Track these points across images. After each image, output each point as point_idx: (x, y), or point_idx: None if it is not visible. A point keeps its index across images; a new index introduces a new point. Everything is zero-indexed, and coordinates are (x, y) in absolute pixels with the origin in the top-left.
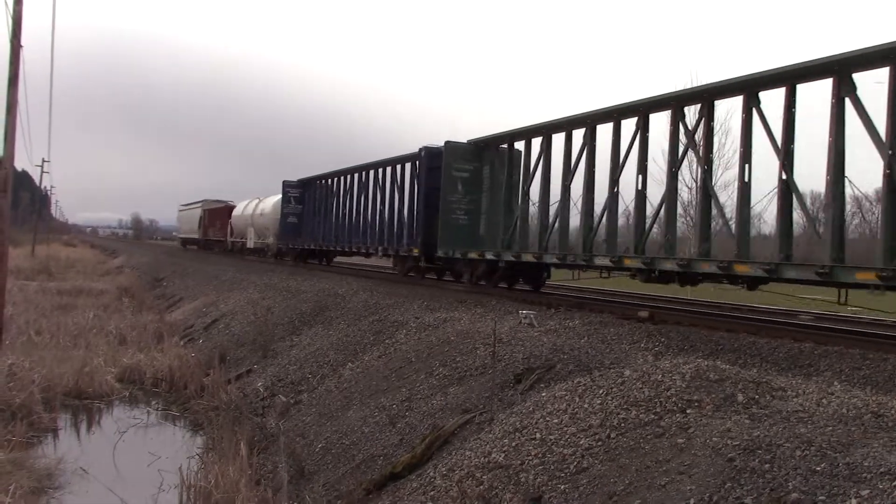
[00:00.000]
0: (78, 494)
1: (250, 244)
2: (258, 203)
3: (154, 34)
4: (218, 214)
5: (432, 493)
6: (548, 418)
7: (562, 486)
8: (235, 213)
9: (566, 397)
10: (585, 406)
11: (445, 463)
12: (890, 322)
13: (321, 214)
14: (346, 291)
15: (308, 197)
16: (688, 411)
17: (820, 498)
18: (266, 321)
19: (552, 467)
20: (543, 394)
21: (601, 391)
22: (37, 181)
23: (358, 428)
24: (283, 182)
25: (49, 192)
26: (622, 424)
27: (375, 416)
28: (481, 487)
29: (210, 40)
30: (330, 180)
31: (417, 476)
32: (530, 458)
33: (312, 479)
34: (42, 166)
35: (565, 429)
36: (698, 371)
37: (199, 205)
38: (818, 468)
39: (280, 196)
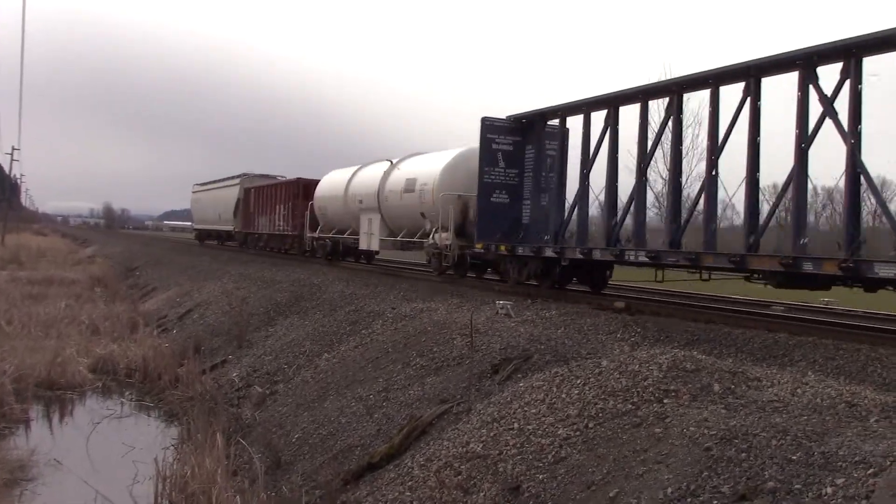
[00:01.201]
0: (51, 486)
1: (372, 244)
2: (391, 169)
3: (132, 19)
4: (276, 194)
5: (410, 483)
6: (526, 408)
7: (540, 476)
8: (327, 189)
9: (544, 387)
10: (563, 396)
11: (423, 453)
12: (861, 313)
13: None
14: (321, 281)
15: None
16: (665, 401)
17: (796, 486)
18: (241, 311)
19: (530, 457)
20: (521, 384)
21: (579, 381)
22: (6, 169)
23: (335, 418)
24: (483, 120)
25: (19, 181)
26: (600, 414)
27: (353, 407)
28: (459, 477)
29: (192, 27)
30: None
31: (395, 466)
32: (508, 447)
33: (289, 469)
34: (12, 154)
35: (543, 419)
36: (675, 361)
37: (235, 181)
38: (794, 457)
39: (450, 154)
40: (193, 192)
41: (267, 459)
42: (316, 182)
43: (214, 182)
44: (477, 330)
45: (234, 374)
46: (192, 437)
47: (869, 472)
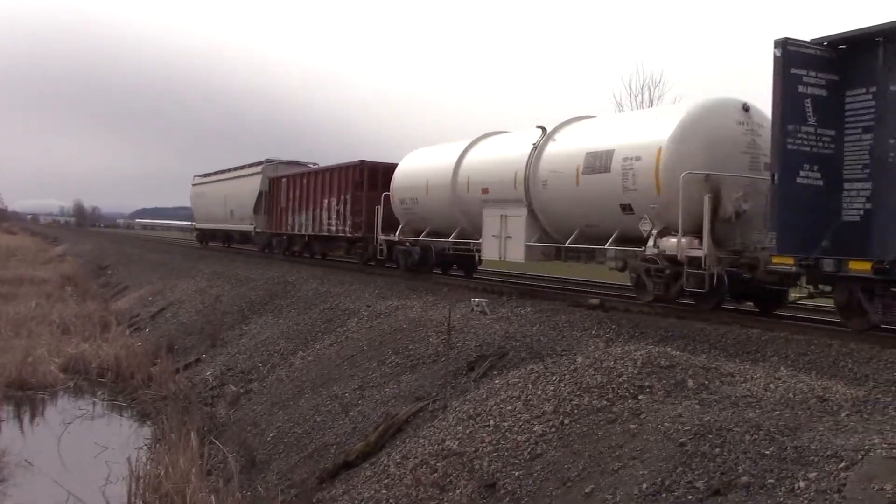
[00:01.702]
0: (22, 487)
1: (508, 252)
2: (545, 141)
3: (105, 14)
4: (325, 184)
5: (386, 480)
6: (501, 405)
7: (516, 473)
8: (415, 174)
9: (519, 384)
10: (539, 393)
11: (399, 451)
12: (832, 308)
13: None
14: (296, 279)
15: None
16: (639, 397)
17: (769, 481)
18: (214, 310)
19: (506, 454)
20: (497, 381)
21: (554, 378)
22: None
23: (310, 417)
24: (784, 44)
25: None
26: (575, 411)
27: (328, 405)
28: (435, 475)
29: (167, 22)
30: None
31: (371, 464)
32: (484, 444)
33: (265, 468)
34: None
35: (519, 415)
36: (649, 357)
37: (256, 170)
38: (767, 452)
39: (676, 114)
40: (194, 185)
41: (242, 459)
42: (388, 166)
43: (224, 172)
44: (452, 327)
45: (208, 373)
46: (166, 437)
47: (841, 465)
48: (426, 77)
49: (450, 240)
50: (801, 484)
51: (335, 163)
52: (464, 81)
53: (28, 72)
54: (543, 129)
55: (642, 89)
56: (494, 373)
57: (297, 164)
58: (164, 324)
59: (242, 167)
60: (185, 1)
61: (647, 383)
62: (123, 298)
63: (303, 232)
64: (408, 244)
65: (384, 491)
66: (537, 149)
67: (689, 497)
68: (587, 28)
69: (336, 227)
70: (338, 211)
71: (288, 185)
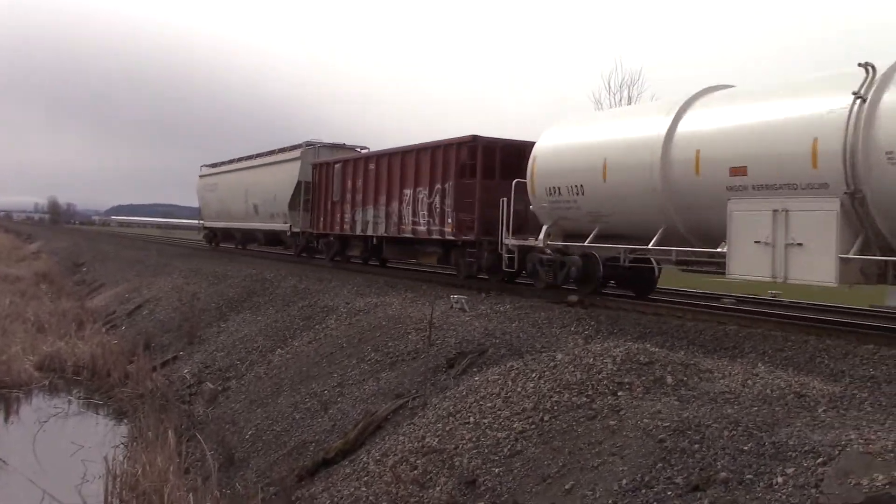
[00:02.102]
0: None
1: (808, 271)
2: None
3: (82, 8)
4: (408, 169)
5: (366, 478)
6: (481, 402)
7: (496, 470)
8: (577, 151)
9: (499, 381)
10: (518, 390)
11: (379, 448)
12: (807, 304)
13: None
14: (274, 276)
15: None
16: (619, 394)
17: (748, 477)
18: (192, 307)
19: (486, 451)
20: (476, 378)
21: (534, 375)
22: None
23: (289, 414)
24: None
25: None
26: (555, 407)
27: (307, 402)
28: (415, 472)
29: (147, 14)
30: None
31: (350, 462)
32: (464, 441)
33: (243, 466)
34: None
35: (499, 412)
36: (628, 354)
37: (293, 155)
38: (745, 448)
39: None
40: (202, 177)
41: (220, 457)
42: (511, 144)
43: (244, 160)
44: (432, 324)
45: (186, 371)
46: (143, 435)
47: (818, 461)
48: (401, 68)
49: (650, 246)
50: (780, 479)
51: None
52: (442, 75)
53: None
54: (870, 66)
55: (621, 87)
56: (474, 370)
57: (342, 147)
58: (140, 321)
59: (271, 153)
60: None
61: (626, 380)
62: (99, 296)
63: (368, 233)
64: (559, 252)
65: (364, 488)
66: (867, 102)
67: (669, 493)
68: (568, 24)
69: (427, 226)
70: (430, 205)
71: (344, 172)
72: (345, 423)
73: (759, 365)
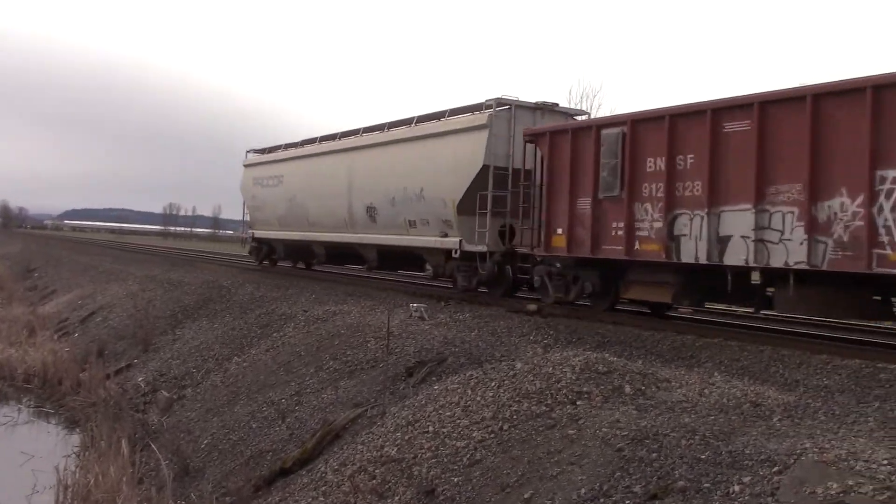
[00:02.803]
0: None
1: None
2: None
3: (33, 15)
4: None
5: (324, 488)
6: (440, 411)
7: (455, 479)
8: None
9: (459, 390)
10: (478, 399)
11: (337, 457)
12: (763, 315)
13: None
14: (231, 284)
15: None
16: (578, 403)
17: (705, 485)
18: (147, 314)
19: (445, 460)
20: (436, 387)
21: (493, 384)
22: None
23: (246, 423)
24: None
25: None
26: (514, 416)
27: (264, 411)
28: (374, 482)
29: (98, 21)
30: None
31: (308, 471)
32: (423, 451)
33: (199, 476)
34: None
35: (458, 421)
36: (587, 363)
37: (473, 119)
38: (702, 456)
39: None
40: (249, 167)
41: (175, 466)
42: None
43: (349, 135)
44: (391, 333)
45: (140, 379)
46: (96, 445)
47: (774, 469)
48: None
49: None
50: (736, 488)
51: None
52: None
53: None
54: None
55: (581, 99)
56: (433, 378)
57: (552, 109)
58: (94, 328)
59: (407, 122)
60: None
61: (585, 389)
62: (52, 302)
63: (745, 261)
64: None
65: (321, 498)
66: None
67: (627, 502)
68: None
69: None
70: None
71: (637, 141)
72: (302, 433)
73: (716, 374)
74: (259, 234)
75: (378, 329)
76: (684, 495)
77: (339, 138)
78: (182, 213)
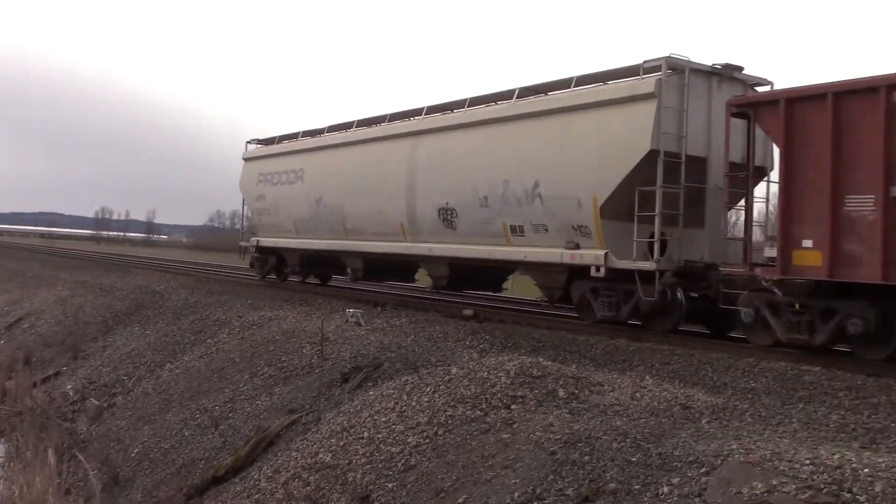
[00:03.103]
0: None
1: None
2: None
3: None
4: None
5: (257, 495)
6: (376, 417)
7: (389, 485)
8: None
9: (394, 395)
10: (413, 404)
11: (271, 465)
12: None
13: None
14: (164, 289)
15: None
16: (512, 407)
17: (635, 487)
18: (77, 320)
19: (380, 466)
20: (371, 392)
21: (429, 389)
22: None
23: (178, 431)
24: None
25: None
26: (449, 421)
27: (197, 419)
28: (308, 488)
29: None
30: None
31: (241, 479)
32: (358, 457)
33: (128, 485)
34: None
35: (393, 427)
36: (522, 368)
37: (637, 87)
38: (633, 459)
39: None
40: (252, 160)
41: (104, 476)
42: None
43: (408, 116)
44: (327, 338)
45: (69, 387)
46: (21, 455)
47: (702, 471)
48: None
49: None
50: (665, 489)
51: None
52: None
53: None
54: None
55: None
56: (369, 384)
57: (730, 76)
58: (20, 335)
59: (502, 96)
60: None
61: (519, 393)
62: None
63: None
64: None
65: None
66: None
67: None
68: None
69: None
70: None
71: None
72: (236, 440)
73: (648, 378)
74: (266, 242)
75: (314, 335)
76: (615, 497)
77: (390, 121)
78: (115, 217)
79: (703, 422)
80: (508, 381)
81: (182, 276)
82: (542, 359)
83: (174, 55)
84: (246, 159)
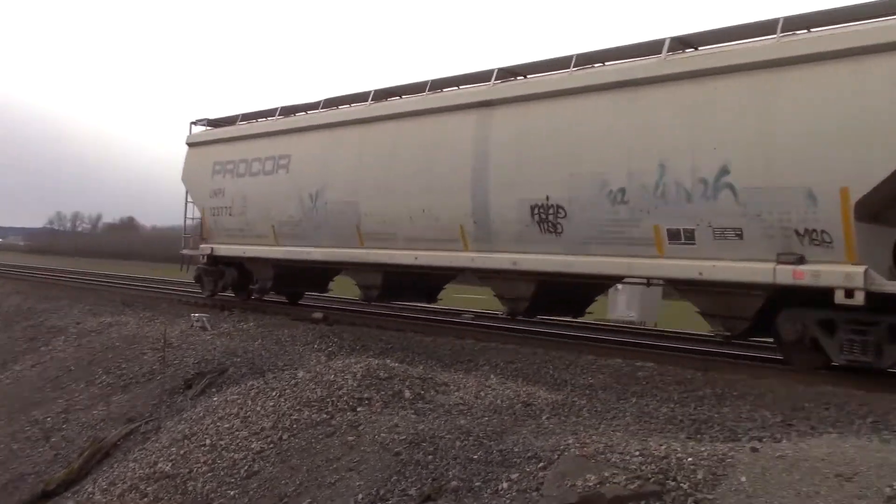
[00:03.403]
0: None
1: None
2: None
3: None
4: None
5: None
6: (219, 423)
7: (231, 492)
8: None
9: (238, 401)
10: (258, 409)
11: (106, 476)
12: (537, 319)
13: None
14: None
15: None
16: (358, 409)
17: (476, 484)
18: None
19: (222, 473)
20: (215, 398)
21: (274, 393)
22: None
23: (6, 445)
24: None
25: None
26: (294, 426)
27: (26, 431)
28: (146, 499)
29: None
30: None
31: (74, 493)
32: (199, 465)
33: None
34: None
35: (237, 433)
36: (369, 369)
37: None
38: (475, 456)
39: None
40: (200, 146)
41: None
42: None
43: (442, 85)
44: (170, 344)
45: None
46: None
47: (539, 465)
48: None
49: None
50: (504, 485)
51: None
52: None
53: None
54: None
55: None
56: (213, 390)
57: None
58: None
59: (646, 48)
60: None
61: (366, 395)
62: None
63: None
64: None
65: None
66: None
67: None
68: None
69: None
70: None
71: None
72: (69, 452)
73: (492, 377)
74: (224, 250)
75: (157, 341)
76: (457, 495)
77: (430, 90)
78: None
79: (544, 418)
80: (355, 384)
81: (16, 281)
82: (389, 360)
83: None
84: (192, 144)
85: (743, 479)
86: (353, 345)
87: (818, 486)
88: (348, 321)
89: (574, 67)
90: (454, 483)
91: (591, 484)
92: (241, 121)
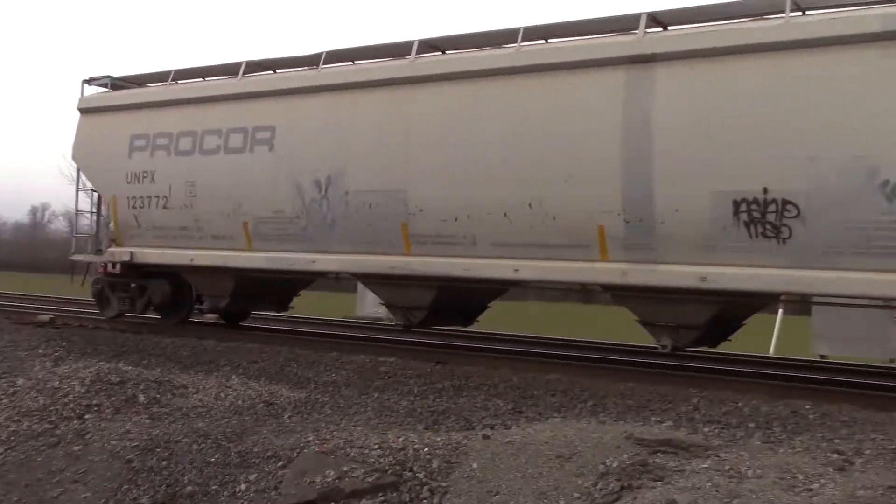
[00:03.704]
0: None
1: None
2: None
3: None
4: None
5: None
6: None
7: None
8: None
9: None
10: None
11: None
12: (286, 316)
13: None
14: None
15: None
16: (86, 417)
17: (213, 487)
18: None
19: None
20: None
21: None
22: None
23: None
24: None
25: None
26: (12, 438)
27: None
28: None
29: None
30: None
31: None
32: None
33: None
34: None
35: None
36: (99, 374)
37: None
38: (212, 459)
39: None
40: (102, 110)
41: None
42: None
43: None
44: None
45: None
46: None
47: (279, 464)
48: None
49: None
50: (242, 486)
51: None
52: None
53: None
54: None
55: None
56: None
57: None
58: None
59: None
60: None
61: (95, 401)
62: None
63: None
64: None
65: None
66: None
67: None
68: None
69: None
70: None
71: None
72: None
73: (234, 377)
74: (153, 255)
75: None
76: (192, 500)
77: (523, 39)
78: None
79: (286, 417)
80: (83, 390)
81: None
82: (122, 364)
83: None
84: (88, 110)
85: (475, 465)
86: (83, 348)
87: (541, 468)
88: (78, 324)
89: (793, 12)
90: (189, 488)
91: (329, 479)
92: (174, 79)
